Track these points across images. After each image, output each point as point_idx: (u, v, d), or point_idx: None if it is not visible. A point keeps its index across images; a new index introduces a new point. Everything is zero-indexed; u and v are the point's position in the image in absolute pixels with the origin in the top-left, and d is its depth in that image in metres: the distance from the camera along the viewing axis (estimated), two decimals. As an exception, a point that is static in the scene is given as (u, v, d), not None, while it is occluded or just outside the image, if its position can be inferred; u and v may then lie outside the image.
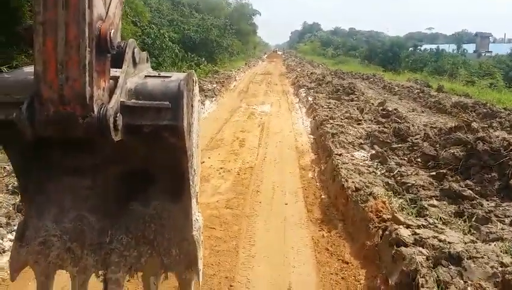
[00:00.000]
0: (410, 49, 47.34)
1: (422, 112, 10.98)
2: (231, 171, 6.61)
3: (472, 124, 5.87)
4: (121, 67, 1.62)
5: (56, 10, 1.35)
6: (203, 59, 23.61)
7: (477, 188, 4.82)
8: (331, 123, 8.63)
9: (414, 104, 12.50)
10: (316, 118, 9.96)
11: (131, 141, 1.60)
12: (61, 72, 1.37)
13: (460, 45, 57.47)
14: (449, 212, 4.34)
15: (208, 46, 28.16)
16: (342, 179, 5.10)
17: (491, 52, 52.74)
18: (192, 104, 1.74)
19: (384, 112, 9.75)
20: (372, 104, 11.62)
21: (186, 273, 1.92)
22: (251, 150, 8.05)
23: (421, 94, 13.57)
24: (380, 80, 19.33)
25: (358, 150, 6.93)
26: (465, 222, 4.02)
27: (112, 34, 1.45)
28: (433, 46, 49.61)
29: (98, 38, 1.42)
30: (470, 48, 58.37)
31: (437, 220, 4.04)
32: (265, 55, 68.37)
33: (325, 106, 11.90)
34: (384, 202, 4.18)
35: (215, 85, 16.86)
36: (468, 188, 4.81)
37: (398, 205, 4.40)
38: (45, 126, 1.43)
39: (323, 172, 6.44)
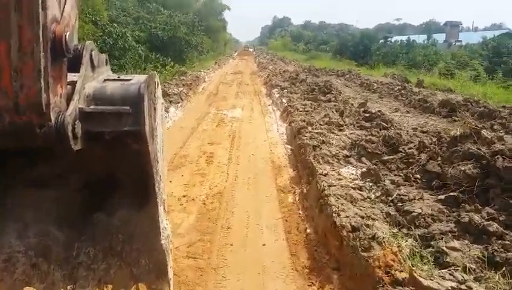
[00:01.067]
0: (380, 41, 46.90)
1: (407, 112, 10.03)
2: (196, 199, 5.48)
3: (482, 132, 4.90)
4: (78, 72, 1.56)
5: (8, 13, 1.25)
6: (169, 59, 22.27)
7: (501, 218, 3.83)
8: (310, 131, 7.58)
9: (396, 103, 11.54)
10: (292, 124, 8.90)
11: (92, 148, 1.54)
12: (15, 79, 1.29)
13: (431, 35, 57.52)
14: (475, 257, 3.34)
15: (176, 45, 26.88)
16: (333, 213, 4.04)
17: (460, 41, 52.78)
18: (154, 108, 1.67)
19: (367, 115, 8.77)
20: (352, 104, 10.64)
21: (157, 283, 1.87)
22: (220, 168, 6.93)
23: (402, 91, 12.55)
24: (356, 76, 18.32)
25: (345, 165, 5.89)
26: (504, 276, 3.01)
27: (67, 36, 1.37)
28: (404, 38, 49.29)
29: (53, 41, 1.34)
30: (440, 37, 58.40)
31: (465, 273, 3.03)
32: (236, 53, 67.08)
33: (300, 109, 10.87)
34: (395, 254, 3.14)
35: (181, 88, 15.62)
36: (490, 218, 3.83)
37: (408, 250, 3.38)
38: (1, 137, 1.35)
39: (306, 196, 5.38)
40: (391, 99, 12.04)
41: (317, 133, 7.49)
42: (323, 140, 7.02)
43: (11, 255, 1.82)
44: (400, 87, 13.38)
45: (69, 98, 1.48)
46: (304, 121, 9.09)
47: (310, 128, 8.01)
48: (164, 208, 1.91)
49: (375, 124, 7.94)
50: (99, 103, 1.55)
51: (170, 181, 5.99)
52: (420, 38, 51.28)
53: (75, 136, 1.44)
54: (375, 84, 14.48)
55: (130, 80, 1.64)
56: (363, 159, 6.10)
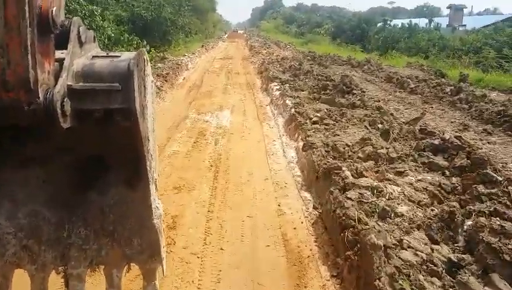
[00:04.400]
0: (379, 24, 43.82)
1: (487, 133, 6.41)
2: None
3: None
4: (66, 48, 1.53)
5: None
6: (145, 42, 18.62)
7: None
8: (353, 183, 4.20)
9: (457, 113, 7.90)
10: (312, 155, 5.50)
11: (82, 126, 1.52)
12: (2, 55, 1.27)
13: (432, 19, 54.19)
14: None
15: (161, 26, 23.73)
16: None
17: (465, 25, 49.61)
18: (144, 85, 1.65)
19: (435, 142, 5.37)
20: (392, 114, 7.24)
21: (150, 262, 1.85)
22: (184, 267, 3.53)
23: (461, 95, 8.88)
24: (377, 68, 14.74)
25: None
26: None
27: (54, 12, 1.34)
28: (404, 21, 46.11)
29: (39, 17, 1.32)
30: (441, 21, 54.95)
31: None
32: (226, 35, 63.20)
33: (315, 118, 7.52)
34: None
35: (154, 81, 12.10)
36: None
37: None
38: None
39: None
40: (445, 107, 8.46)
41: (365, 186, 4.11)
42: (384, 207, 3.66)
43: (1, 236, 1.77)
44: (451, 87, 9.77)
45: (57, 75, 1.43)
46: (328, 146, 5.76)
47: (345, 169, 4.64)
48: (156, 188, 1.84)
49: (461, 165, 4.59)
50: (88, 80, 1.51)
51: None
52: (421, 22, 48.19)
53: (64, 114, 1.39)
54: (410, 81, 10.92)
55: (119, 56, 1.58)
56: (496, 280, 2.76)
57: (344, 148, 5.60)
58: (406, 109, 8.15)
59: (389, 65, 16.19)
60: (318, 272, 3.48)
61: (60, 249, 1.79)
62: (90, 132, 1.60)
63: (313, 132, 6.71)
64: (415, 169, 4.82)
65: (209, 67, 19.42)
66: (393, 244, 2.99)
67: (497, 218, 3.24)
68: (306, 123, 7.38)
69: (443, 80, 11.51)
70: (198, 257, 3.65)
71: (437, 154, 5.15)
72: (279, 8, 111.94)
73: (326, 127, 6.96)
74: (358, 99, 8.53)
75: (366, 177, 4.55)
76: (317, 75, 12.56)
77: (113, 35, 17.54)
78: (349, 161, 5.14)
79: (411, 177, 4.57)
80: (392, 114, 7.17)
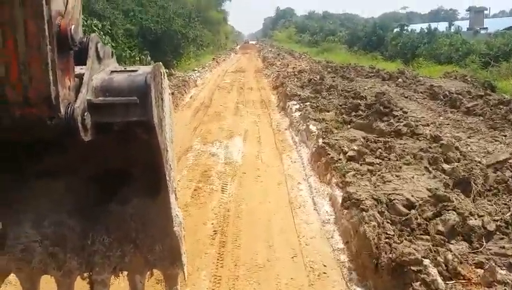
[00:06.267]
0: (395, 30, 41.95)
1: None
2: None
3: None
4: (85, 64, 1.56)
5: (13, 9, 1.26)
6: (149, 58, 17.06)
7: None
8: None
9: None
10: (363, 223, 3.72)
11: (102, 139, 1.54)
12: (24, 73, 1.29)
13: (452, 22, 52.16)
14: None
15: (172, 39, 22.44)
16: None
17: (486, 28, 47.44)
18: (162, 98, 1.66)
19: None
20: (458, 148, 5.41)
21: (171, 269, 1.89)
22: None
23: None
24: (413, 81, 12.78)
25: None
26: None
27: (72, 29, 1.36)
28: (422, 26, 44.21)
29: (59, 35, 1.33)
30: (461, 25, 52.89)
31: None
32: (238, 46, 62.00)
33: (352, 153, 5.75)
34: None
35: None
36: None
37: None
38: (12, 130, 1.36)
39: None
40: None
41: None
42: None
43: (27, 245, 1.80)
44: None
45: (77, 91, 1.46)
46: (380, 202, 4.05)
47: (428, 263, 2.85)
48: (175, 196, 1.85)
49: None
50: (107, 94, 1.53)
51: None
52: (440, 26, 46.28)
53: (85, 128, 1.42)
54: (462, 98, 8.89)
55: (137, 70, 1.60)
56: None
57: (408, 209, 3.82)
58: (468, 138, 6.29)
59: (425, 76, 14.20)
60: None
61: (85, 256, 1.79)
62: (111, 145, 1.62)
63: (353, 175, 4.95)
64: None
65: (219, 83, 17.79)
66: None
67: None
68: (340, 160, 5.63)
69: (505, 96, 9.54)
70: None
71: None
72: (290, 17, 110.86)
73: (369, 167, 5.18)
74: (403, 125, 6.71)
75: (464, 277, 2.76)
76: (342, 90, 10.76)
77: (113, 51, 16.12)
78: (423, 236, 3.35)
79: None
80: (457, 148, 5.33)
